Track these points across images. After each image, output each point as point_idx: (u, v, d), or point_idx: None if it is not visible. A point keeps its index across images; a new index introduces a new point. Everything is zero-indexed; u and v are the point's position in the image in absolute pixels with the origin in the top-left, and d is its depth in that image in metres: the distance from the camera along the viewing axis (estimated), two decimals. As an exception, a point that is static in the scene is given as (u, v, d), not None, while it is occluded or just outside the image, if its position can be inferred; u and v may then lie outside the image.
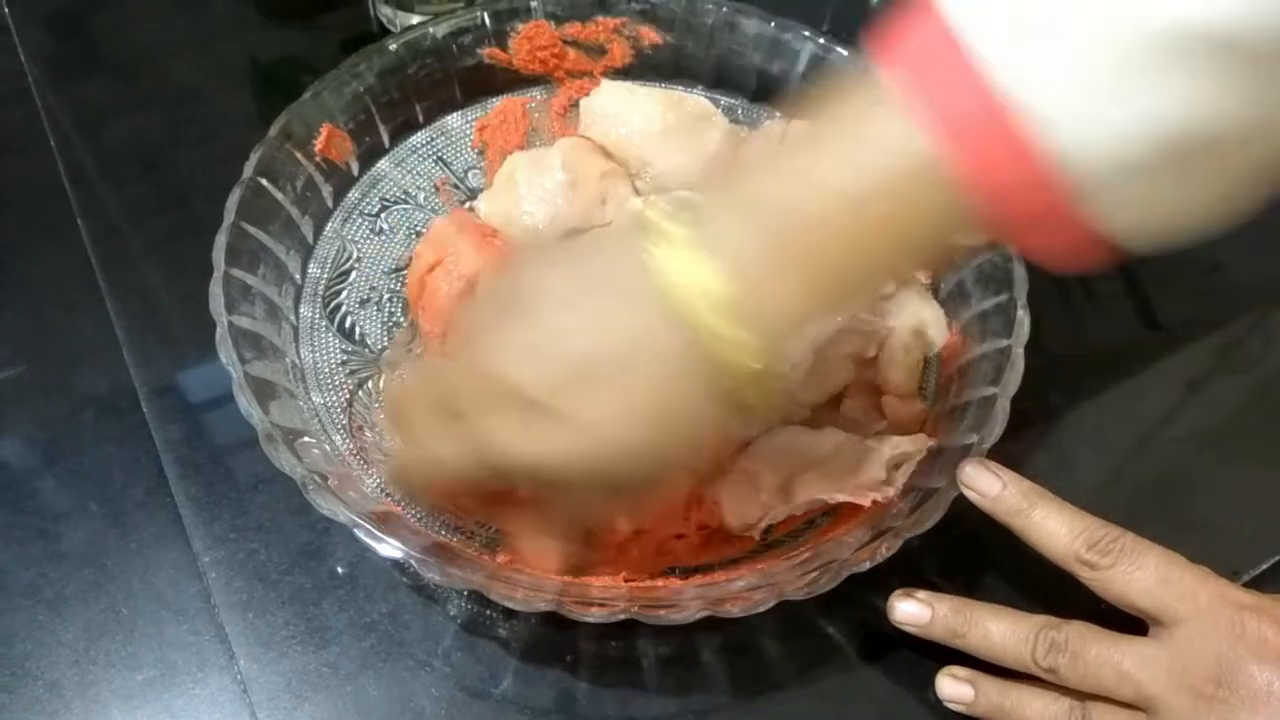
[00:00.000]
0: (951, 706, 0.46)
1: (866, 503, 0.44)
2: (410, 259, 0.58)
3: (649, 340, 0.36)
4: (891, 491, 0.44)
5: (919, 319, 0.54)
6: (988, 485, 0.44)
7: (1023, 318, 0.49)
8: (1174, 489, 0.56)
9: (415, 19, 0.69)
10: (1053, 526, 0.43)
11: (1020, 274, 0.51)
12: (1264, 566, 0.53)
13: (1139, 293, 0.64)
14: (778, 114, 0.64)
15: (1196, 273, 0.65)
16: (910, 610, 0.45)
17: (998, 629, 0.44)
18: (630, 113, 0.60)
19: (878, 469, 0.44)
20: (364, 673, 0.47)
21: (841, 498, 0.44)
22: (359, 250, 0.58)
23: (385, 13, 0.72)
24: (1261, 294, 0.65)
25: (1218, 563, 0.50)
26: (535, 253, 0.44)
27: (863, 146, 0.33)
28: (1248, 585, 0.51)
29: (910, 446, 0.45)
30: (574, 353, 0.37)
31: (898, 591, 0.46)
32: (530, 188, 0.56)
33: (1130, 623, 0.43)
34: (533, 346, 0.37)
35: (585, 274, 0.38)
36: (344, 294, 0.56)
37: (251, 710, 0.46)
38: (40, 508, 0.52)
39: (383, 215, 0.60)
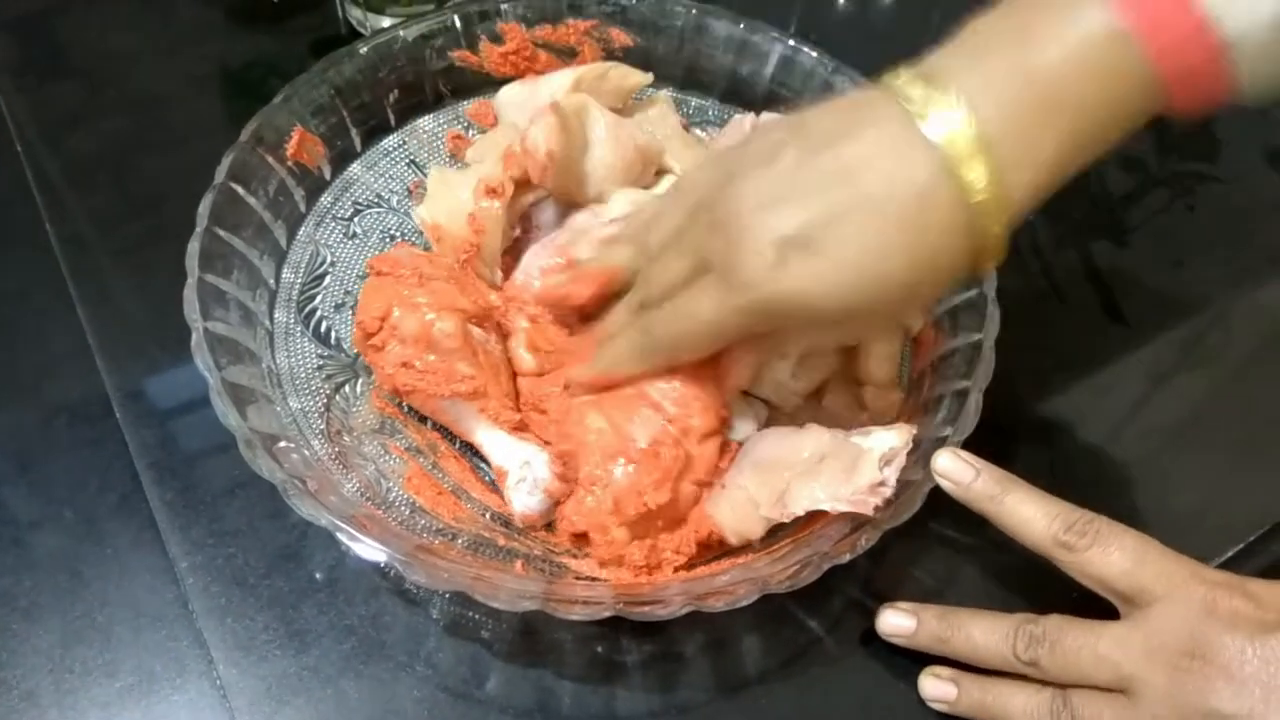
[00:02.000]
0: (935, 706, 0.47)
1: (870, 510, 0.44)
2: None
3: (905, 179, 0.39)
4: (889, 492, 0.44)
5: None
6: (961, 474, 0.45)
7: (993, 312, 0.50)
8: (1141, 480, 0.57)
9: (385, 21, 0.69)
10: (1028, 512, 0.44)
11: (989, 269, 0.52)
12: (1229, 554, 0.54)
13: (1104, 289, 0.65)
14: (750, 115, 0.64)
15: (1160, 270, 0.67)
16: (897, 622, 0.47)
17: (979, 630, 0.45)
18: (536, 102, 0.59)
19: (872, 470, 0.44)
20: (344, 676, 0.47)
21: (843, 508, 0.44)
22: (333, 254, 0.58)
23: (355, 15, 0.71)
24: (1221, 290, 0.66)
25: (1185, 550, 0.51)
26: (772, 124, 0.46)
27: (1068, 26, 0.38)
28: (1217, 572, 0.53)
29: (897, 440, 0.45)
30: (832, 192, 0.40)
31: (884, 605, 0.48)
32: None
33: (1107, 612, 0.44)
34: (787, 188, 0.41)
35: (836, 127, 0.41)
36: (319, 299, 0.56)
37: (231, 716, 0.46)
38: (13, 516, 0.51)
39: (356, 219, 0.60)
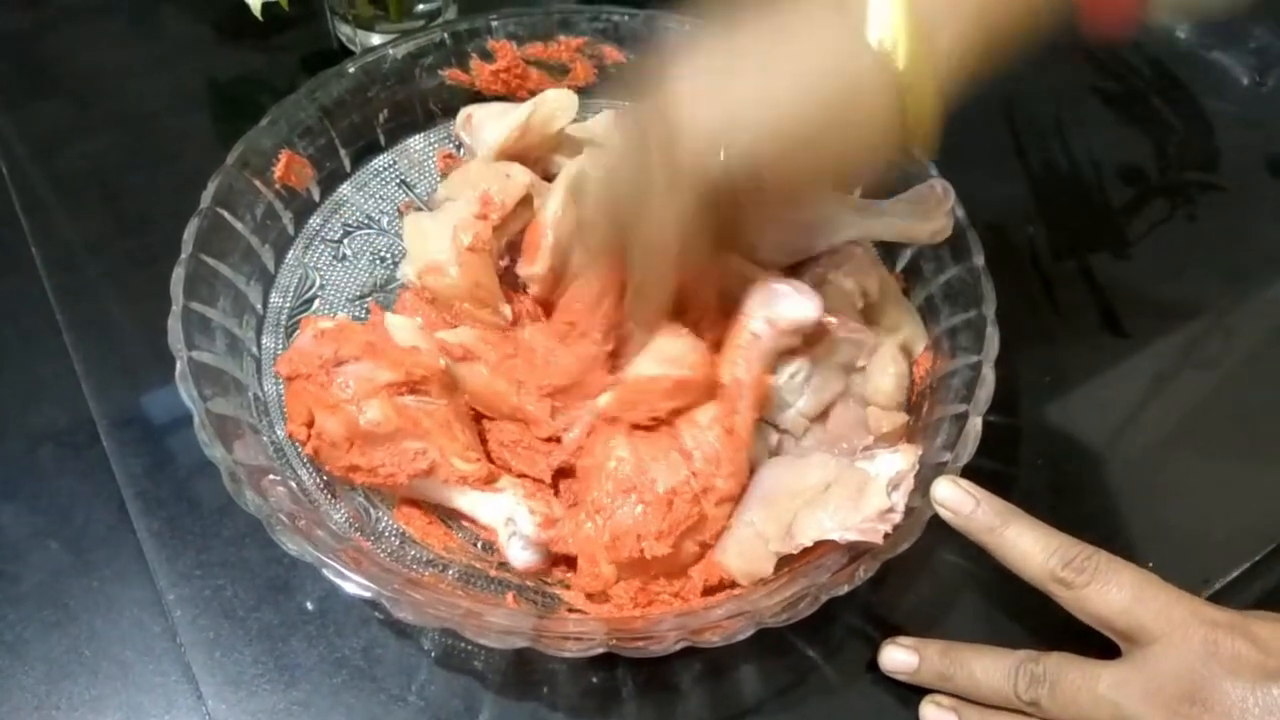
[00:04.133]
0: None
1: (879, 538, 0.42)
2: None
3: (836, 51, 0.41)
4: (898, 518, 0.43)
5: (905, 332, 0.53)
6: (961, 503, 0.44)
7: (992, 334, 0.49)
8: (1144, 495, 0.56)
9: (375, 39, 0.69)
10: (1026, 545, 0.43)
11: (989, 290, 0.51)
12: (1235, 573, 0.53)
13: (1104, 301, 0.64)
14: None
15: (1161, 281, 0.66)
16: (900, 658, 0.46)
17: (981, 667, 0.44)
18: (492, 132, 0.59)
19: (879, 496, 0.43)
20: (335, 710, 0.46)
21: (853, 537, 0.43)
22: (322, 277, 0.57)
23: (344, 32, 0.71)
24: (1224, 300, 0.65)
25: (1190, 570, 0.51)
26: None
27: None
28: (1220, 592, 0.52)
29: (903, 462, 0.44)
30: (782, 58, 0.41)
31: (886, 641, 0.47)
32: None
33: (1108, 647, 0.43)
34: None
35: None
36: (307, 323, 0.55)
37: (221, 751, 0.45)
38: (-2, 548, 0.51)
39: (345, 241, 0.59)
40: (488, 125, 0.59)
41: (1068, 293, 0.65)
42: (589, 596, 0.46)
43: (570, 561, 0.47)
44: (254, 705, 0.46)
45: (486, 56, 0.62)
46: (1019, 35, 0.41)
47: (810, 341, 0.50)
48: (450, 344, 0.51)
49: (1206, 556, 0.53)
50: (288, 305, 0.55)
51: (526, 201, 0.55)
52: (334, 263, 0.58)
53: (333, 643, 0.48)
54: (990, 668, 0.44)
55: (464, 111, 0.60)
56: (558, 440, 0.50)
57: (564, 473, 0.51)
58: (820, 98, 0.41)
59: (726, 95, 0.41)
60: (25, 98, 0.70)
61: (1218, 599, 0.52)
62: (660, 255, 0.45)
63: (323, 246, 0.58)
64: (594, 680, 0.48)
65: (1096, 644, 0.43)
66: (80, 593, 0.49)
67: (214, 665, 0.47)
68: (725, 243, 0.48)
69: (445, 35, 0.61)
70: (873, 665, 0.48)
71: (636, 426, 0.47)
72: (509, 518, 0.47)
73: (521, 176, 0.55)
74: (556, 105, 0.58)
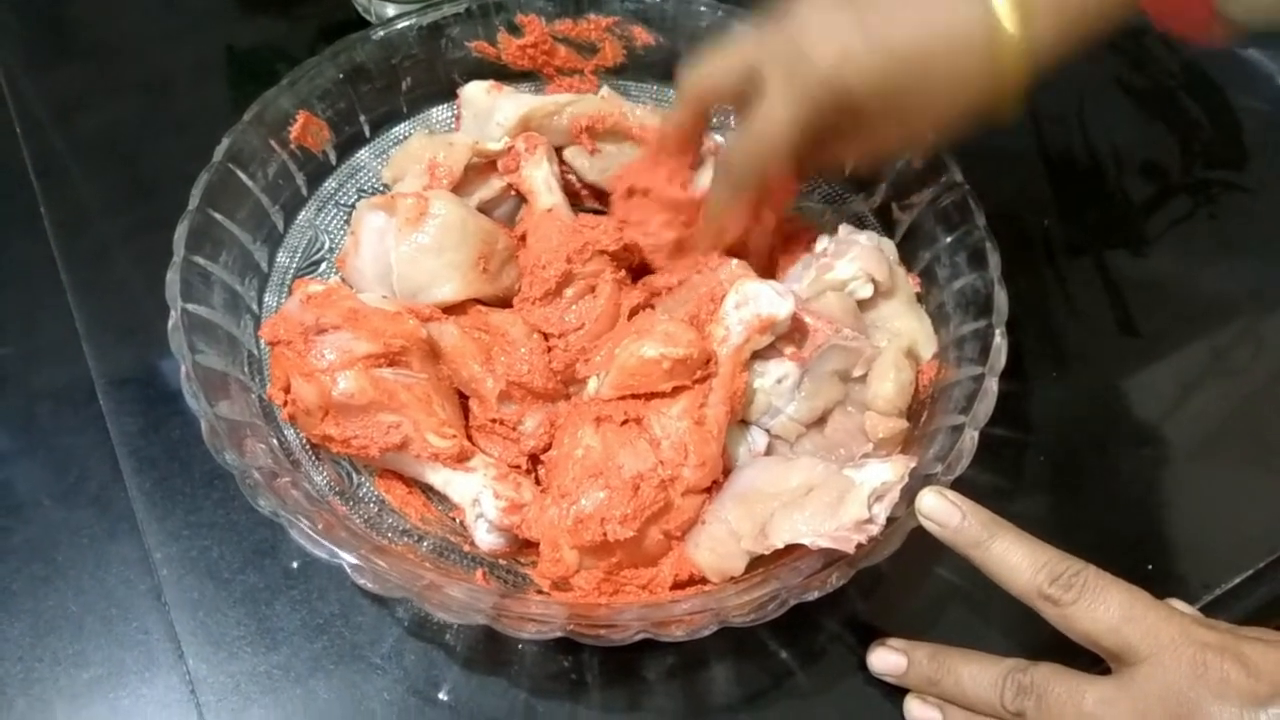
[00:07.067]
0: None
1: (851, 549, 0.41)
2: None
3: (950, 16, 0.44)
4: (876, 530, 0.41)
5: (911, 338, 0.52)
6: (946, 516, 0.42)
7: (1000, 345, 0.47)
8: (1148, 500, 0.54)
9: (391, 8, 0.68)
10: (1014, 560, 0.41)
11: (1001, 301, 0.49)
12: (1236, 580, 0.52)
13: (1120, 300, 0.63)
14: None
15: (1180, 281, 0.64)
16: (890, 660, 0.45)
17: (969, 674, 0.43)
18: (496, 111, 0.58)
19: (859, 507, 0.41)
20: (315, 675, 0.46)
21: (824, 544, 0.41)
22: (331, 240, 0.57)
23: (361, 1, 0.70)
24: (1245, 303, 0.63)
25: (1191, 577, 0.50)
26: None
27: None
28: (1220, 599, 0.51)
29: (891, 474, 0.42)
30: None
31: (875, 642, 0.46)
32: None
33: (1099, 660, 0.42)
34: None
35: None
36: (312, 285, 0.55)
37: (199, 711, 0.45)
38: (-9, 502, 0.51)
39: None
40: (511, 99, 0.58)
41: (1081, 288, 0.63)
42: (553, 584, 0.45)
43: (535, 546, 0.46)
44: (234, 667, 0.46)
45: (514, 30, 0.61)
46: (1106, 26, 0.44)
47: (796, 342, 0.49)
48: (418, 306, 0.50)
49: (1209, 563, 0.52)
50: (294, 265, 0.55)
51: (488, 168, 0.56)
52: (345, 227, 0.57)
53: (315, 608, 0.48)
54: (978, 675, 0.43)
55: (486, 82, 0.60)
56: (505, 424, 0.50)
57: (540, 457, 0.50)
58: (936, 46, 0.44)
59: (850, 26, 0.44)
60: (43, 62, 0.70)
61: (1217, 605, 0.51)
62: (755, 162, 0.48)
63: (336, 210, 0.58)
64: (564, 664, 0.47)
65: (1086, 658, 0.42)
66: (70, 548, 0.49)
67: (197, 625, 0.47)
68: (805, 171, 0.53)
69: (474, 7, 0.60)
70: (846, 670, 0.47)
71: (607, 419, 0.46)
72: (475, 499, 0.46)
73: (464, 139, 0.55)
74: (597, 105, 0.58)
